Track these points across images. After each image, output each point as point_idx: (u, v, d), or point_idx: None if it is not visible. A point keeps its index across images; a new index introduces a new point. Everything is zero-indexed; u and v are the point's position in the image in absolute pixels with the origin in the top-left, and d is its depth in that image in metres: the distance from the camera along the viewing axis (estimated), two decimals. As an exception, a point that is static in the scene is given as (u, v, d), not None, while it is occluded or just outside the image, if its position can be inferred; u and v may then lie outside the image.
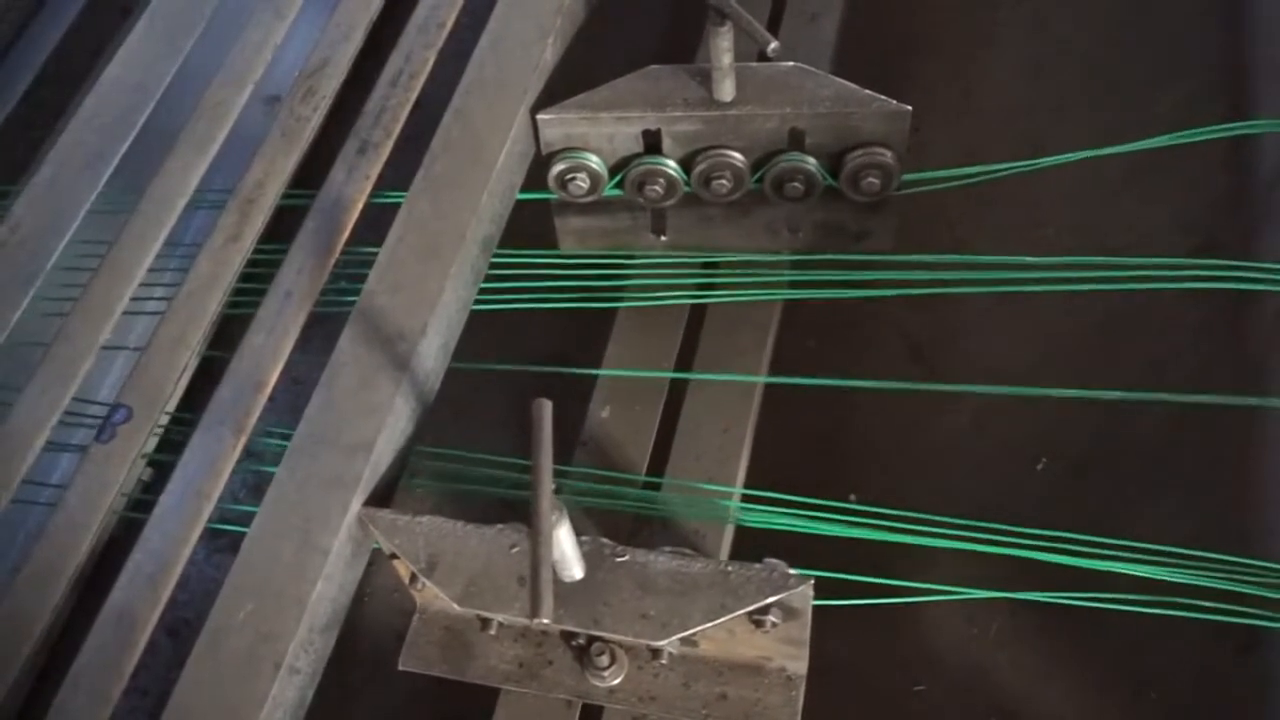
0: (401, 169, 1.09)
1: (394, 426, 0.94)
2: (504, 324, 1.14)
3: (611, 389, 1.13)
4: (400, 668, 0.97)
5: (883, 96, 1.08)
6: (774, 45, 1.01)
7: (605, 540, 0.89)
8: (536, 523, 0.78)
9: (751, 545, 1.03)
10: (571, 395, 1.12)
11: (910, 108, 1.06)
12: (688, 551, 0.93)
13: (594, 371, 1.13)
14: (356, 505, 0.90)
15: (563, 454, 1.11)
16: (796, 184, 1.12)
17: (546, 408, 0.82)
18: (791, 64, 1.10)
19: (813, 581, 0.85)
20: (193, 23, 1.18)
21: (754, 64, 1.12)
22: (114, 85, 1.14)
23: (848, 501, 1.10)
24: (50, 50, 1.37)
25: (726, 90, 1.09)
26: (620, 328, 1.16)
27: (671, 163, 1.13)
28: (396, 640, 0.99)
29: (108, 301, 1.01)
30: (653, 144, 1.13)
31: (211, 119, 1.11)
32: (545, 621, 0.74)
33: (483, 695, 1.00)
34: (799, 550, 1.00)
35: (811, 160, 1.11)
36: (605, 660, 0.92)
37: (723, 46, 1.06)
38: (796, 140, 1.11)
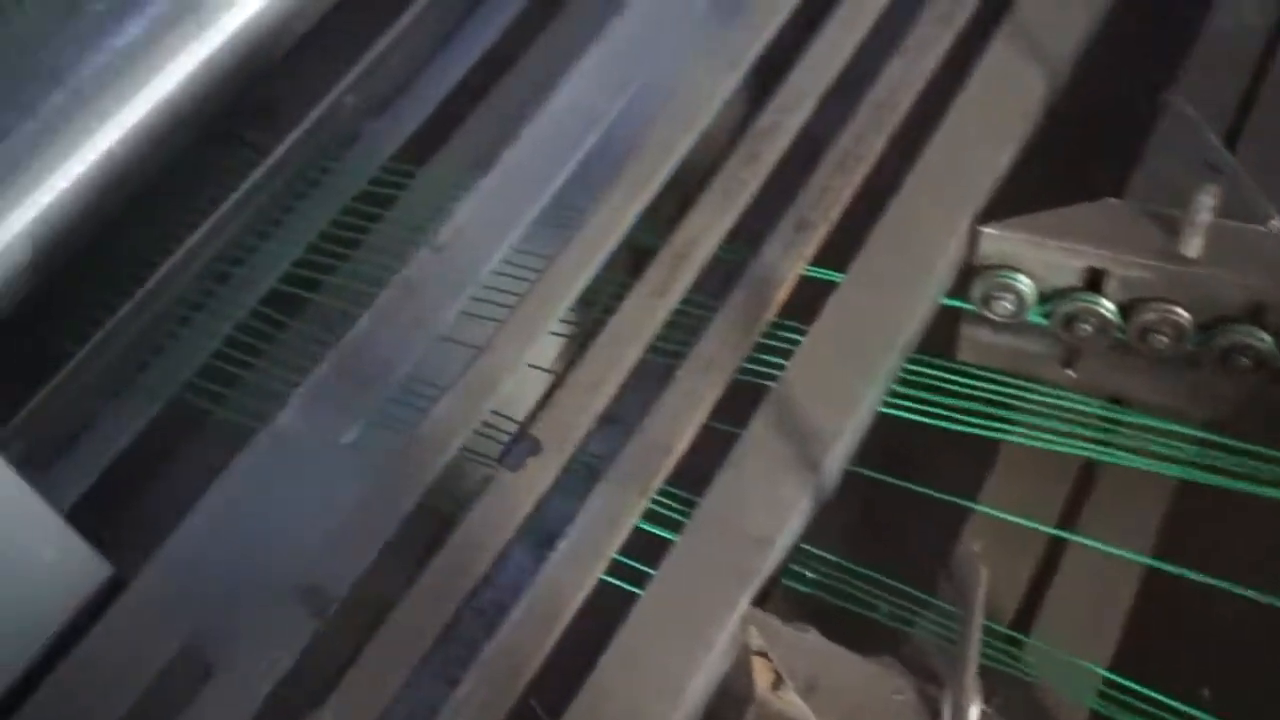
0: (835, 246, 1.07)
1: (792, 526, 0.92)
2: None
3: (987, 523, 1.08)
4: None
5: (1372, 290, 0.99)
6: (1276, 221, 0.94)
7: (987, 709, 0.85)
8: (958, 698, 0.75)
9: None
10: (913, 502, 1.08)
11: None
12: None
13: (970, 504, 1.08)
14: (745, 602, 0.88)
15: (916, 572, 1.08)
16: (1244, 359, 1.04)
17: (978, 568, 0.79)
18: (1272, 230, 1.02)
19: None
20: (646, 57, 1.19)
21: (1225, 220, 1.04)
22: (567, 108, 1.16)
23: (1200, 695, 1.02)
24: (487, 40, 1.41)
25: (1194, 246, 1.02)
26: (1005, 461, 1.11)
27: (1110, 305, 1.07)
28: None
29: (534, 324, 1.03)
30: (1093, 281, 1.07)
31: (656, 157, 1.11)
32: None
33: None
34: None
35: (1269, 339, 1.03)
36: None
37: (1206, 204, 0.98)
38: (1257, 313, 1.03)
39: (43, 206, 1.14)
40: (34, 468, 1.07)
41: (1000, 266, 1.09)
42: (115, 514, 1.13)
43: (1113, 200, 1.07)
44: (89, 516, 1.08)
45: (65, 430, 1.12)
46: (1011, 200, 1.14)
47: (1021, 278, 1.08)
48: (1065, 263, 1.06)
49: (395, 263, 1.25)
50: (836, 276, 1.05)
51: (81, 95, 1.16)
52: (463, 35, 1.41)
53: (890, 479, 1.11)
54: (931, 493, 1.08)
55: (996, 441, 1.13)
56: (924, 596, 1.03)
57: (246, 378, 1.20)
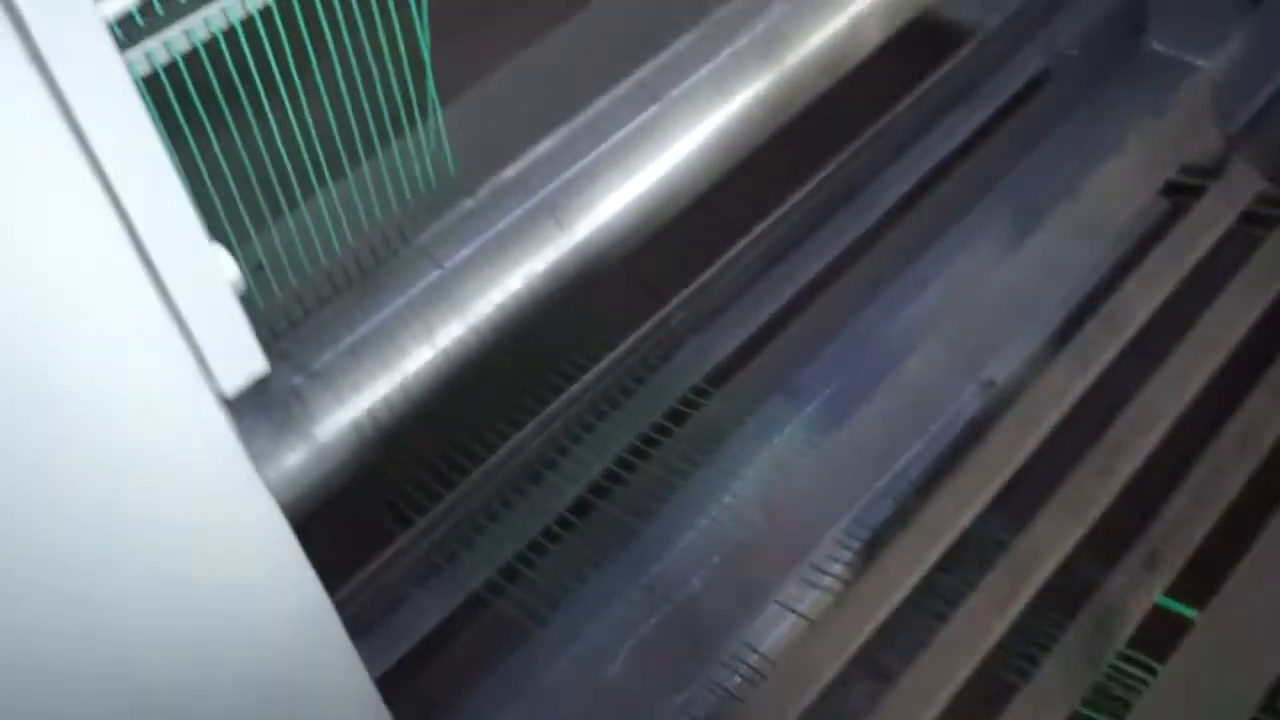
0: (1186, 573, 1.04)
1: None
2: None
3: None
4: None
5: None
6: None
7: None
8: None
9: None
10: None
11: None
12: None
13: None
14: None
15: None
16: None
17: None
18: None
19: None
20: (997, 345, 1.19)
21: None
22: (901, 387, 1.16)
23: None
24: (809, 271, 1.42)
25: None
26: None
27: None
28: None
29: (862, 614, 1.01)
30: None
31: (1002, 451, 1.09)
32: None
33: None
34: None
35: None
36: None
37: None
38: None
39: (392, 387, 1.17)
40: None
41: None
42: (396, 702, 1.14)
43: None
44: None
45: (376, 610, 1.14)
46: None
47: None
48: None
49: (684, 483, 1.26)
50: (1187, 611, 1.02)
51: (443, 285, 1.21)
52: (784, 265, 1.43)
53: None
54: None
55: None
56: None
57: (530, 575, 1.22)
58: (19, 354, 0.51)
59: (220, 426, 0.59)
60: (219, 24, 1.05)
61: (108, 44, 0.51)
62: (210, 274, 0.55)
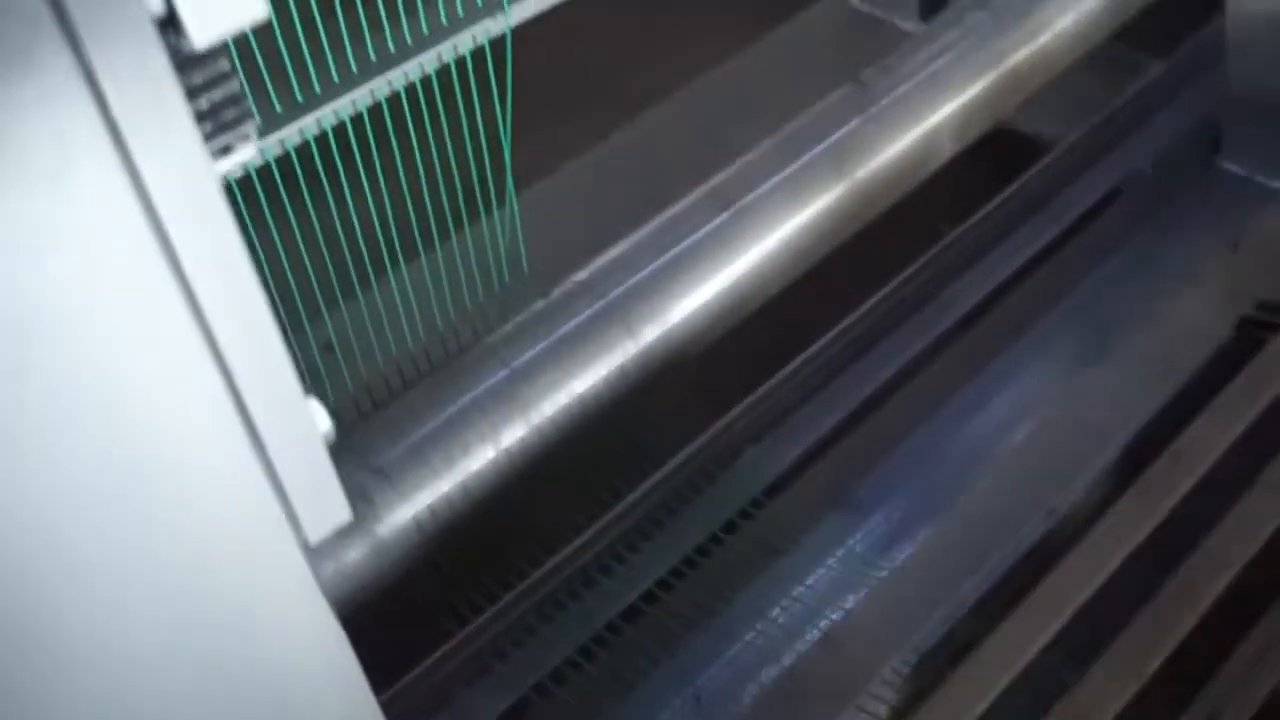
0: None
1: None
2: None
3: None
4: None
5: None
6: None
7: None
8: None
9: None
10: None
11: None
12: None
13: None
14: None
15: None
16: None
17: None
18: None
19: None
20: (1057, 472, 1.18)
21: None
22: (961, 511, 1.15)
23: None
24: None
25: None
26: None
27: None
28: None
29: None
30: None
31: (1063, 590, 1.08)
32: None
33: None
34: None
35: None
36: None
37: None
38: None
39: (454, 485, 1.19)
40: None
41: None
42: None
43: None
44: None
45: (423, 711, 1.15)
46: None
47: None
48: None
49: (736, 594, 1.25)
50: (1245, 774, 0.99)
51: (510, 386, 1.22)
52: (847, 376, 1.43)
53: None
54: None
55: None
56: None
57: (577, 680, 1.21)
58: (122, 501, 0.52)
59: (300, 570, 0.60)
60: (312, 131, 1.08)
61: (223, 207, 0.53)
62: (305, 429, 0.56)
